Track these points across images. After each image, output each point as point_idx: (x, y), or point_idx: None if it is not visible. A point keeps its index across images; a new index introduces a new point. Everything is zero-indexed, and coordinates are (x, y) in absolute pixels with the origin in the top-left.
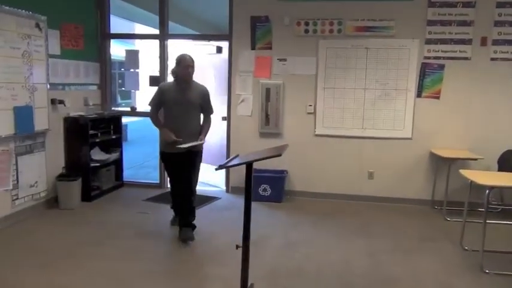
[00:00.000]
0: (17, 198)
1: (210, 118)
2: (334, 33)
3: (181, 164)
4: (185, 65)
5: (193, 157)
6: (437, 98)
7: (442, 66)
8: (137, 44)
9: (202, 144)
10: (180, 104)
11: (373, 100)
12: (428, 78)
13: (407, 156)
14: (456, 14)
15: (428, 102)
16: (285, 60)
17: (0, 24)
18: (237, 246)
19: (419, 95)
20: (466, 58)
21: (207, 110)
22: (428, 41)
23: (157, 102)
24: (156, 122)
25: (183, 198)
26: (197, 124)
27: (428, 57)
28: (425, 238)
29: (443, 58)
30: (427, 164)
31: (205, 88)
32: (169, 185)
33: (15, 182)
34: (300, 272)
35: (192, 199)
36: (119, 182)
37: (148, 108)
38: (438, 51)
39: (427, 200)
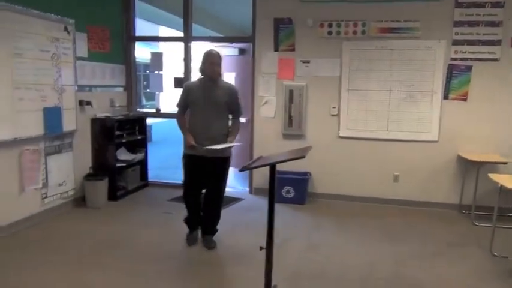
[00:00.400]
0: (46, 197)
1: (239, 120)
2: (358, 34)
3: (204, 168)
4: (211, 61)
5: (222, 163)
6: (465, 100)
7: (469, 68)
8: (161, 46)
9: (231, 148)
10: (205, 104)
11: (398, 102)
12: (455, 80)
13: (433, 159)
14: (484, 15)
15: (455, 105)
16: (308, 62)
17: (30, 28)
18: (261, 248)
19: (446, 97)
20: (494, 59)
21: (235, 110)
22: (455, 42)
23: (182, 102)
24: (181, 124)
25: (210, 205)
26: (224, 126)
27: (455, 59)
28: (453, 243)
29: (471, 59)
30: (455, 168)
31: (233, 87)
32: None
33: (45, 181)
34: (322, 275)
35: (220, 207)
36: (144, 182)
37: (173, 110)
38: (465, 52)
39: (454, 204)
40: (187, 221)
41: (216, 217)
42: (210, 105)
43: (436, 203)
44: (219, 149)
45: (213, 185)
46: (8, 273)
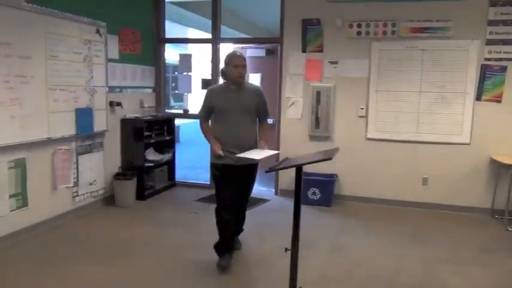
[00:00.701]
0: (77, 195)
1: (267, 122)
2: (388, 34)
3: (235, 177)
4: (236, 64)
5: (252, 171)
6: (499, 101)
7: (504, 68)
8: (189, 48)
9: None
10: (231, 110)
11: (429, 103)
12: (488, 80)
13: (465, 162)
14: None
15: (488, 106)
16: (336, 62)
17: (64, 31)
18: (286, 249)
19: (478, 98)
20: None
21: (264, 113)
22: (489, 42)
23: (206, 108)
24: (205, 131)
25: (237, 208)
26: (254, 132)
27: (489, 59)
28: (485, 249)
29: (506, 59)
30: (487, 171)
31: (259, 88)
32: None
33: (76, 179)
34: (348, 278)
35: (246, 208)
36: (171, 182)
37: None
38: (500, 52)
39: (486, 208)
40: (219, 247)
41: (242, 219)
42: (238, 110)
43: (467, 207)
44: (258, 159)
45: (244, 196)
46: (37, 267)
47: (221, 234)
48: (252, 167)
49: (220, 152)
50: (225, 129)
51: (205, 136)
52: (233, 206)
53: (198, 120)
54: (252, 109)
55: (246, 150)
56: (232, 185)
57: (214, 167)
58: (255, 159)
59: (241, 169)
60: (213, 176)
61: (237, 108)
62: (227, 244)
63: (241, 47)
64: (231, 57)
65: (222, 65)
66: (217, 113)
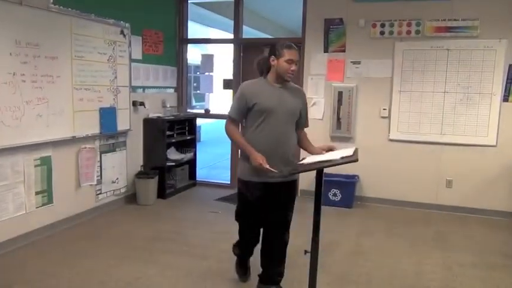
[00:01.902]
0: (100, 193)
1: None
2: (412, 34)
3: (271, 197)
4: (290, 58)
5: (293, 189)
6: None
7: None
8: (211, 48)
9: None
10: (276, 112)
11: (454, 104)
12: None
13: (490, 164)
14: None
15: None
16: (358, 63)
17: (89, 32)
18: (306, 252)
19: (506, 99)
20: None
21: (305, 119)
22: None
23: (241, 107)
24: (235, 134)
25: (272, 243)
26: (295, 143)
27: None
28: (510, 254)
29: None
30: None
31: (302, 89)
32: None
33: (99, 177)
34: (369, 281)
35: (286, 244)
36: (192, 181)
37: (222, 111)
38: None
39: (511, 212)
40: (241, 270)
41: (282, 259)
42: (283, 113)
43: (492, 210)
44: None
45: (278, 217)
46: (62, 262)
47: (242, 258)
48: (291, 184)
49: (267, 166)
50: (268, 138)
51: (237, 141)
52: (258, 231)
53: (225, 121)
54: (297, 113)
55: (289, 163)
56: (263, 207)
57: (250, 185)
58: (337, 161)
59: (279, 186)
60: (241, 195)
61: (282, 111)
62: (246, 263)
63: (264, 48)
64: (285, 48)
65: (244, 65)
66: (258, 115)
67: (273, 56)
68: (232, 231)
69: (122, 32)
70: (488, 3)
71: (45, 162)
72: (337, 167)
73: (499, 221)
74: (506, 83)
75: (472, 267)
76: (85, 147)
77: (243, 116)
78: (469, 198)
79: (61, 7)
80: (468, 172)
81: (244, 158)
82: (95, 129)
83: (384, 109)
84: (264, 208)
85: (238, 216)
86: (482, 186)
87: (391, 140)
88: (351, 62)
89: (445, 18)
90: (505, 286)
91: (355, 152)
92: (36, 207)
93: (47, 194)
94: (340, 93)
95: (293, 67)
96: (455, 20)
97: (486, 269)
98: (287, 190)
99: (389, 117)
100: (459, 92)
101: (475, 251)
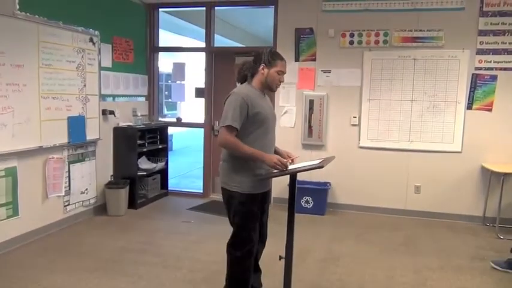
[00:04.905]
0: (69, 204)
1: None
2: (380, 44)
3: (262, 208)
4: (281, 69)
5: (269, 197)
6: (490, 110)
7: (494, 77)
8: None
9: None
10: (269, 121)
11: (421, 112)
12: (479, 89)
13: (456, 170)
14: (510, 24)
15: (479, 115)
16: (329, 71)
17: (58, 40)
18: (280, 257)
19: (469, 107)
20: None
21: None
22: (480, 52)
23: (243, 116)
24: (243, 147)
25: (257, 257)
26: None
27: (480, 68)
28: (476, 257)
29: (496, 69)
30: (478, 179)
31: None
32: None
33: (67, 188)
34: (341, 287)
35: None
36: (164, 190)
37: (194, 119)
38: (490, 61)
39: (477, 216)
40: None
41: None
42: (272, 122)
43: (459, 215)
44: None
45: (266, 228)
46: (29, 277)
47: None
48: (269, 193)
49: (284, 160)
50: (263, 144)
51: (243, 151)
52: (257, 249)
53: (220, 132)
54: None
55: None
56: (259, 221)
57: (250, 198)
58: (316, 165)
59: (265, 196)
60: (242, 214)
61: (271, 119)
62: None
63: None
64: (278, 59)
65: (217, 73)
66: (258, 124)
67: (263, 64)
68: (205, 240)
69: (91, 40)
70: (452, 15)
71: (10, 173)
72: (310, 174)
73: (465, 225)
74: (470, 91)
75: (440, 270)
76: (52, 158)
77: (241, 124)
78: (436, 203)
79: (28, 14)
80: (435, 178)
81: (245, 169)
82: (63, 139)
83: (354, 117)
84: (259, 223)
85: (238, 237)
86: (448, 191)
87: (361, 147)
88: (322, 70)
89: (411, 28)
90: (470, 287)
91: (328, 159)
92: (1, 220)
93: (12, 206)
94: (311, 102)
95: (282, 78)
96: (421, 30)
97: (454, 271)
98: (267, 199)
99: (359, 125)
100: (426, 100)
101: (442, 254)
